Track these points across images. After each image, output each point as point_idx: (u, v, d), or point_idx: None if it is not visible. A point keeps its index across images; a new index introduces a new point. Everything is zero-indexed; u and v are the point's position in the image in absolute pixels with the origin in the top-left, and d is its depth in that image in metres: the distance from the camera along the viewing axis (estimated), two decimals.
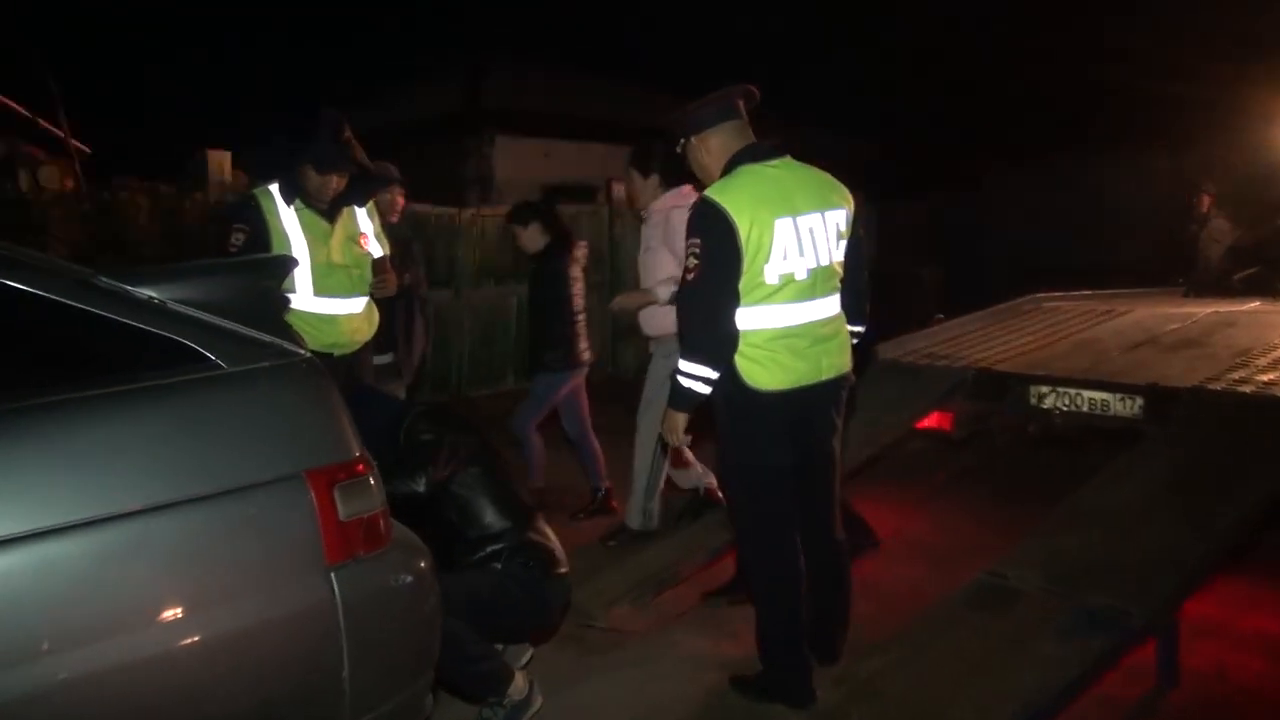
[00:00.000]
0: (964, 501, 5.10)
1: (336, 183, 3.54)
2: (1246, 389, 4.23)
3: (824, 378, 2.90)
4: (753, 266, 2.77)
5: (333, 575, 1.80)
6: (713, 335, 2.79)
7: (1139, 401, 4.49)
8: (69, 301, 1.67)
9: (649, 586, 3.93)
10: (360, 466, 1.91)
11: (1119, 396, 4.56)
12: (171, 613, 1.62)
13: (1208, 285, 6.96)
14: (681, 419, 2.90)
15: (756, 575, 3.06)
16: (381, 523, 1.93)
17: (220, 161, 7.20)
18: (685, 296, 2.85)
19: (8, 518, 1.49)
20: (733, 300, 2.77)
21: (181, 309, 1.82)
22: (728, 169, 2.87)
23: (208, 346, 1.78)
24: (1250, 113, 8.97)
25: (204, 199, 6.99)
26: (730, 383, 2.83)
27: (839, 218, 2.91)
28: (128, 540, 1.59)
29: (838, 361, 2.96)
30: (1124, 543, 3.47)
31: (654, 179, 4.39)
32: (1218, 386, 4.30)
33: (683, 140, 2.98)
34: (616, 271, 9.46)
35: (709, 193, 2.79)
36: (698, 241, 2.75)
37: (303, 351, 1.93)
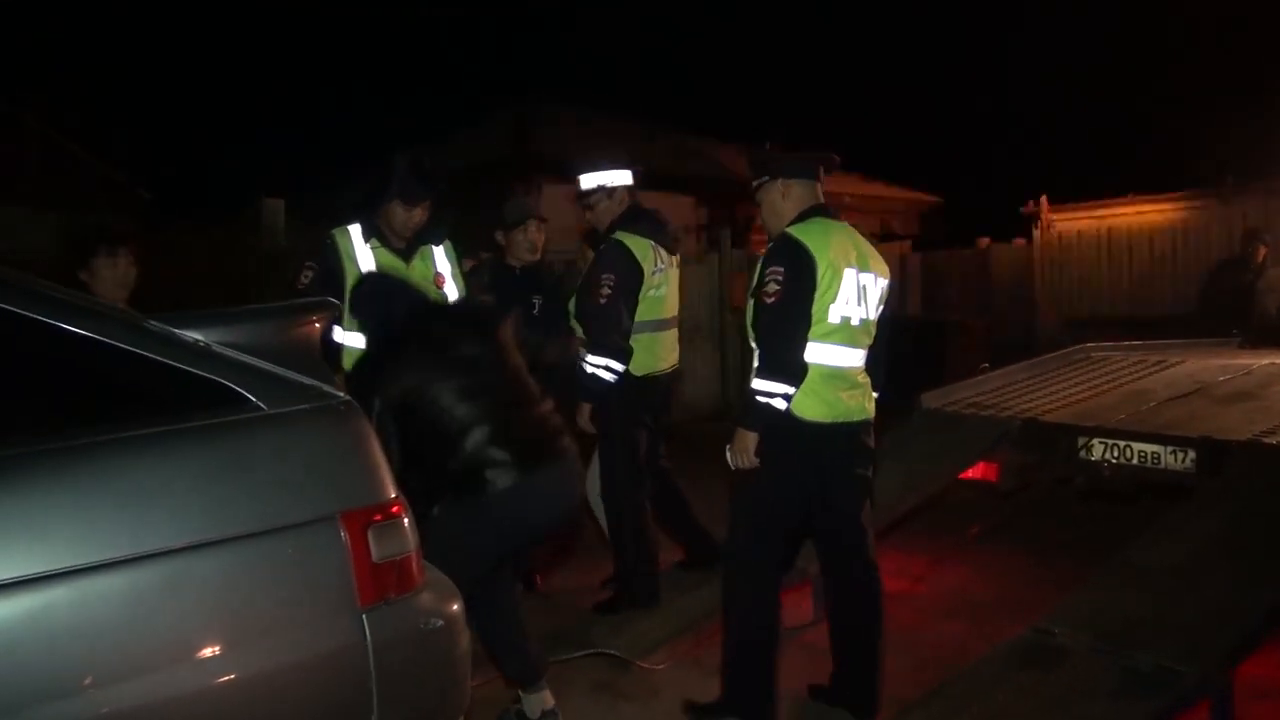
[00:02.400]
0: (1008, 554, 4.98)
1: (419, 216, 3.60)
2: None
3: (856, 419, 3.13)
4: (820, 303, 3.01)
5: (364, 617, 1.81)
6: (793, 356, 3.00)
7: (1191, 454, 4.38)
8: (117, 343, 1.72)
9: (689, 633, 3.89)
10: (395, 508, 1.92)
11: (1170, 449, 4.45)
12: (207, 650, 1.65)
13: (1264, 336, 6.78)
14: (752, 439, 3.04)
15: (737, 604, 3.15)
16: (414, 564, 1.94)
17: (275, 209, 7.41)
18: (765, 318, 3.05)
19: (53, 552, 1.53)
20: (806, 325, 3.00)
21: (225, 351, 1.87)
22: (802, 217, 3.12)
23: (249, 388, 1.82)
24: None
25: (256, 243, 7.18)
26: (778, 413, 3.00)
27: (884, 284, 3.21)
28: (167, 577, 1.63)
29: (868, 406, 3.20)
30: (1175, 601, 3.37)
31: None
32: (1273, 440, 4.17)
33: (764, 178, 3.21)
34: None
35: (793, 231, 3.06)
36: (780, 270, 2.99)
37: (340, 394, 1.97)
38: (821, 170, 3.24)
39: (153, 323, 1.84)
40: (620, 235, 4.05)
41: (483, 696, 3.28)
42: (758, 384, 3.01)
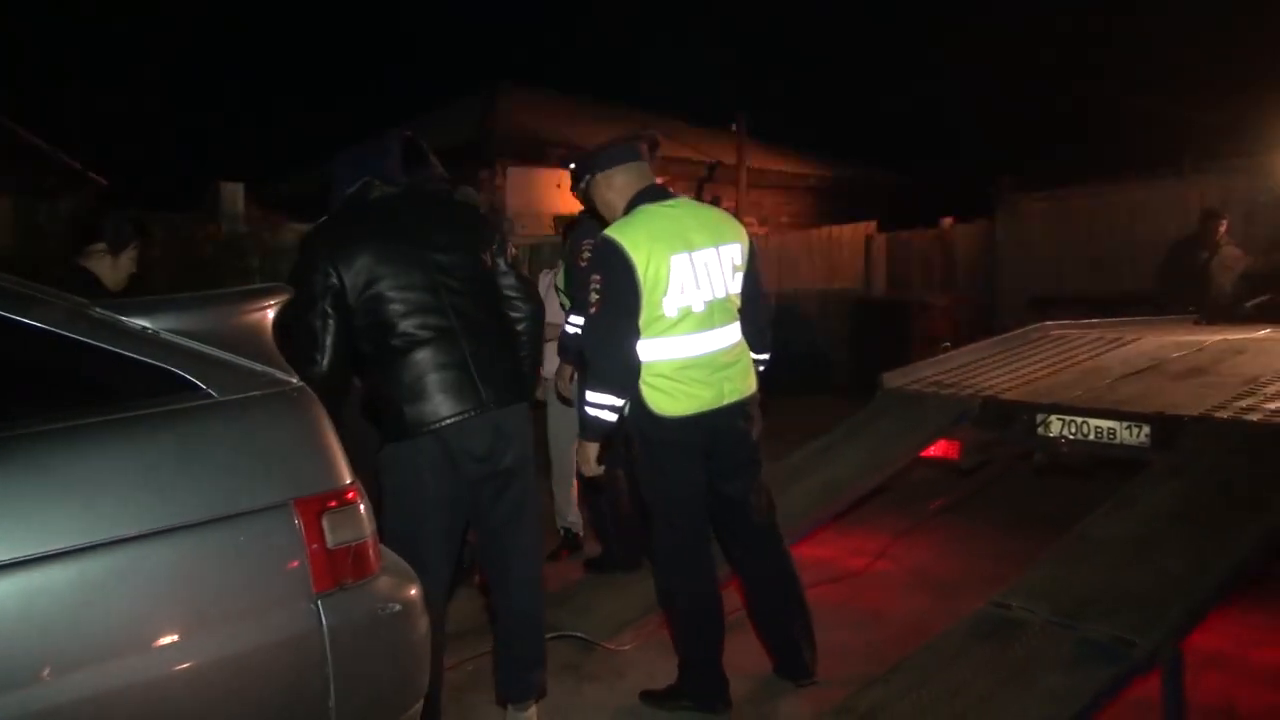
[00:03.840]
0: (969, 531, 5.06)
1: None
2: (1254, 417, 4.19)
3: (727, 401, 3.05)
4: (651, 299, 2.92)
5: (319, 603, 1.80)
6: (615, 365, 2.93)
7: (1146, 430, 4.46)
8: (61, 331, 1.70)
9: (652, 613, 3.91)
10: (350, 494, 1.92)
11: (1125, 425, 4.53)
12: (160, 638, 1.63)
13: (1218, 313, 6.91)
14: (593, 449, 3.04)
15: (674, 594, 3.17)
16: (370, 550, 1.94)
17: (234, 193, 7.32)
18: (588, 329, 3.02)
19: (2, 543, 1.50)
20: (632, 331, 2.92)
21: (174, 339, 1.85)
22: (628, 209, 3.03)
23: (199, 375, 1.80)
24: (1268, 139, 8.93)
25: (217, 230, 7.08)
26: (640, 413, 3.00)
27: (734, 252, 3.07)
28: (117, 567, 1.61)
29: (740, 386, 3.11)
30: (1129, 573, 3.43)
31: None
32: (1224, 415, 4.26)
33: (587, 178, 3.14)
34: None
35: (608, 231, 2.95)
36: (598, 278, 2.93)
37: (294, 380, 1.95)
38: (645, 150, 3.13)
39: (99, 310, 1.81)
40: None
41: (453, 681, 3.30)
42: (587, 395, 2.98)
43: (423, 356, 2.63)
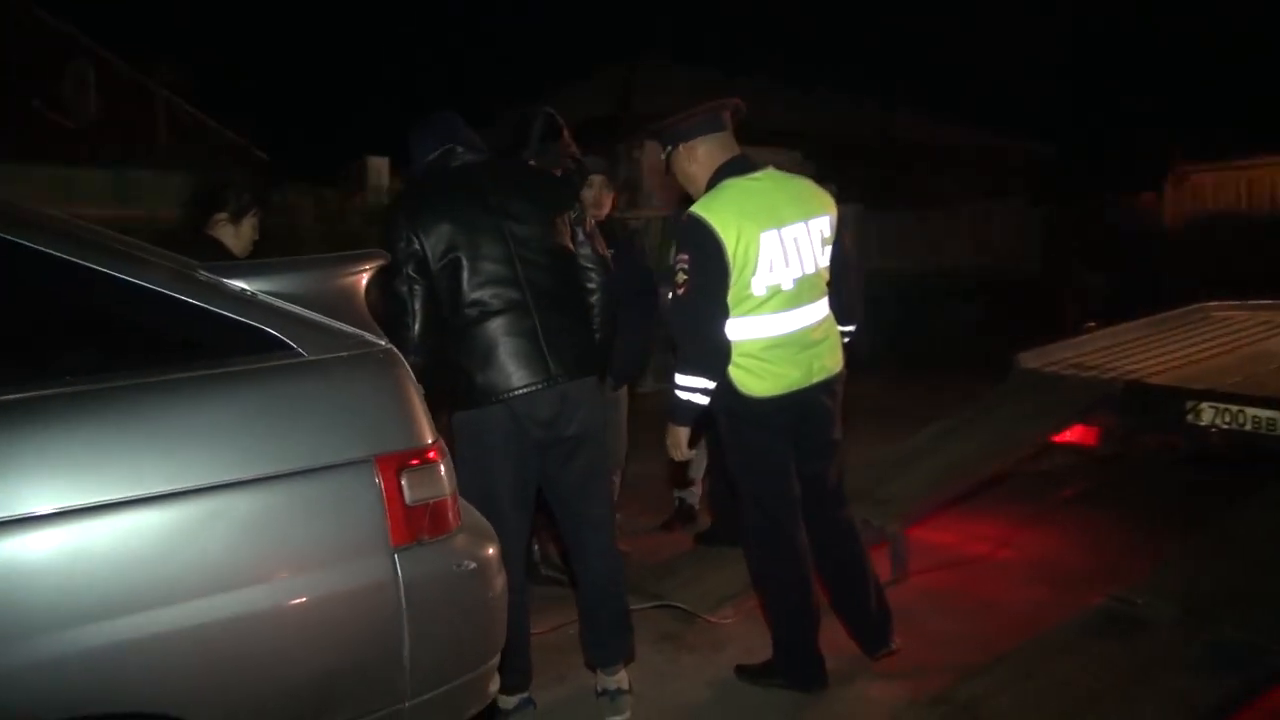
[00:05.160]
0: (1102, 523, 4.75)
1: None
2: None
3: (815, 380, 2.98)
4: (740, 279, 2.84)
5: (396, 556, 1.88)
6: (706, 347, 2.87)
7: None
8: (165, 290, 1.82)
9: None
10: (431, 454, 1.98)
11: None
12: (242, 580, 1.74)
13: None
14: (684, 433, 2.99)
15: (766, 576, 3.15)
16: (449, 508, 2.00)
17: (379, 167, 7.64)
18: (677, 311, 2.94)
19: (104, 485, 1.64)
20: (722, 312, 2.85)
21: (269, 300, 1.95)
22: (713, 183, 2.93)
23: (290, 336, 1.90)
24: None
25: (363, 202, 7.41)
26: (728, 394, 2.92)
27: (823, 225, 2.97)
28: (205, 512, 1.72)
29: (829, 363, 3.03)
30: (1270, 575, 3.18)
31: None
32: None
33: (669, 148, 3.03)
34: None
35: (696, 209, 2.86)
36: (686, 257, 2.84)
37: (382, 342, 2.03)
38: (728, 118, 2.99)
39: (203, 273, 1.93)
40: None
41: (552, 643, 3.39)
42: (677, 379, 2.91)
43: (495, 327, 2.68)
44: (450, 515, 2.00)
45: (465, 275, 2.67)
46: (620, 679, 2.97)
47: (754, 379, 2.91)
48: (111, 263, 1.80)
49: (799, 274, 2.91)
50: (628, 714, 2.96)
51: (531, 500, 2.87)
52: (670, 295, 2.98)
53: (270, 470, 1.79)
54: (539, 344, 2.70)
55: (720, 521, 4.45)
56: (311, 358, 1.90)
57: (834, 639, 3.39)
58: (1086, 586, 3.76)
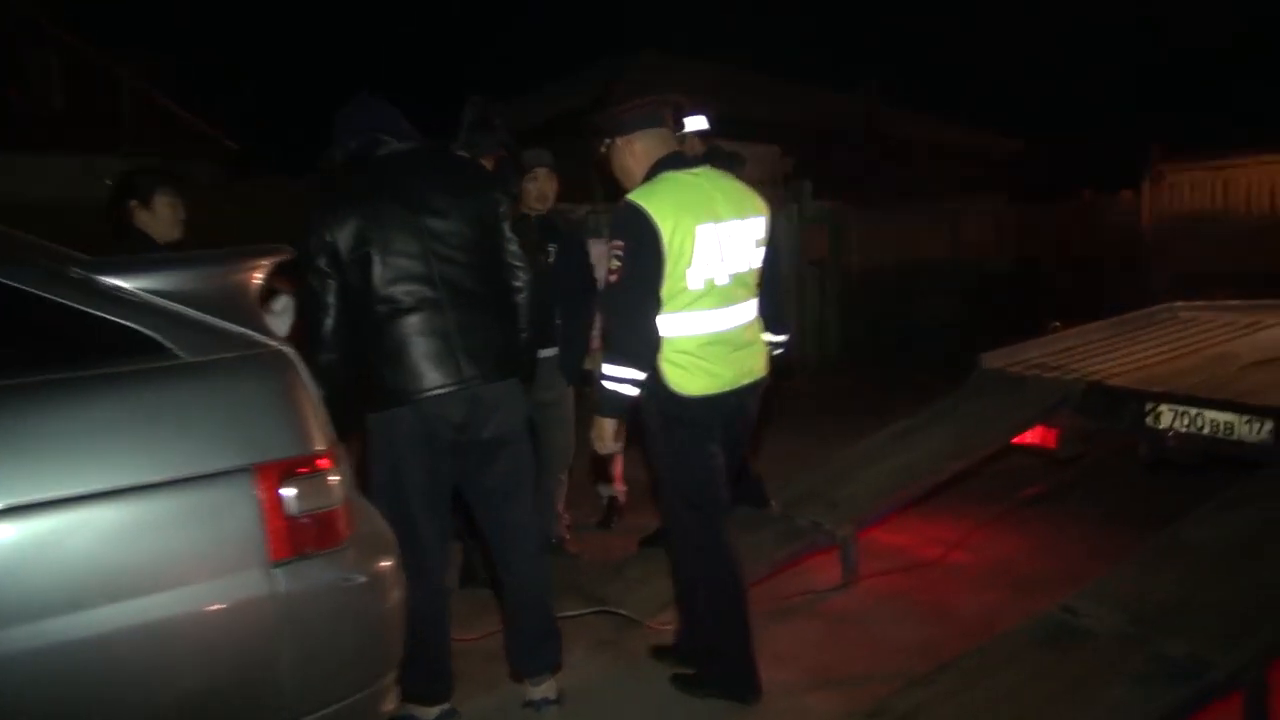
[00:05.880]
0: (1060, 525, 4.68)
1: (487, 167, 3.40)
2: None
3: (744, 383, 2.95)
4: (675, 271, 2.79)
5: (275, 571, 1.78)
6: (636, 336, 2.82)
7: (1268, 426, 4.02)
8: (32, 290, 1.71)
9: None
10: (321, 461, 1.88)
11: (1245, 419, 4.10)
12: (107, 596, 1.64)
13: None
14: (609, 425, 2.90)
15: (696, 580, 3.04)
16: (340, 519, 1.90)
17: None
18: (608, 298, 2.90)
19: None
20: (655, 302, 2.80)
21: (148, 299, 1.84)
22: (650, 175, 2.89)
23: (167, 336, 1.80)
24: None
25: None
26: (660, 393, 2.86)
27: (757, 226, 2.95)
28: (65, 525, 1.62)
29: (756, 366, 3.01)
30: (1219, 585, 3.10)
31: None
32: None
33: (608, 141, 3.00)
34: None
35: (633, 196, 2.82)
36: (621, 244, 2.79)
37: (271, 343, 1.93)
38: (669, 116, 3.02)
39: (77, 270, 1.82)
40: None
41: (485, 649, 3.29)
42: (605, 368, 2.85)
43: (406, 325, 2.58)
44: (341, 526, 1.91)
45: (376, 271, 2.56)
46: (546, 689, 2.88)
47: (689, 377, 2.85)
48: None
49: (733, 271, 2.87)
50: None
51: (446, 503, 2.77)
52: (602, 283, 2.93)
53: (135, 480, 1.69)
54: (450, 344, 2.60)
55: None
56: (188, 359, 1.80)
57: (773, 646, 3.33)
58: (1041, 592, 3.69)
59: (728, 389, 2.89)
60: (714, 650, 3.05)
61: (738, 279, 2.89)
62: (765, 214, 2.98)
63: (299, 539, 1.82)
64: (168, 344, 1.80)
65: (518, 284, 2.82)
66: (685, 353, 2.84)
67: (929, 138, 17.04)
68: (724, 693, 3.03)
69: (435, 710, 2.82)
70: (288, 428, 1.87)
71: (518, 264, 2.82)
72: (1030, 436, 4.80)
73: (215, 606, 1.72)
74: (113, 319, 1.77)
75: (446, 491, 2.76)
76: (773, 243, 3.01)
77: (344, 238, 2.56)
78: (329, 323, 2.57)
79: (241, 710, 1.77)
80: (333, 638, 1.87)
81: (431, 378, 2.57)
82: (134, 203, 3.36)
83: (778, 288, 3.11)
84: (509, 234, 2.81)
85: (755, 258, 2.95)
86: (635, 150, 2.93)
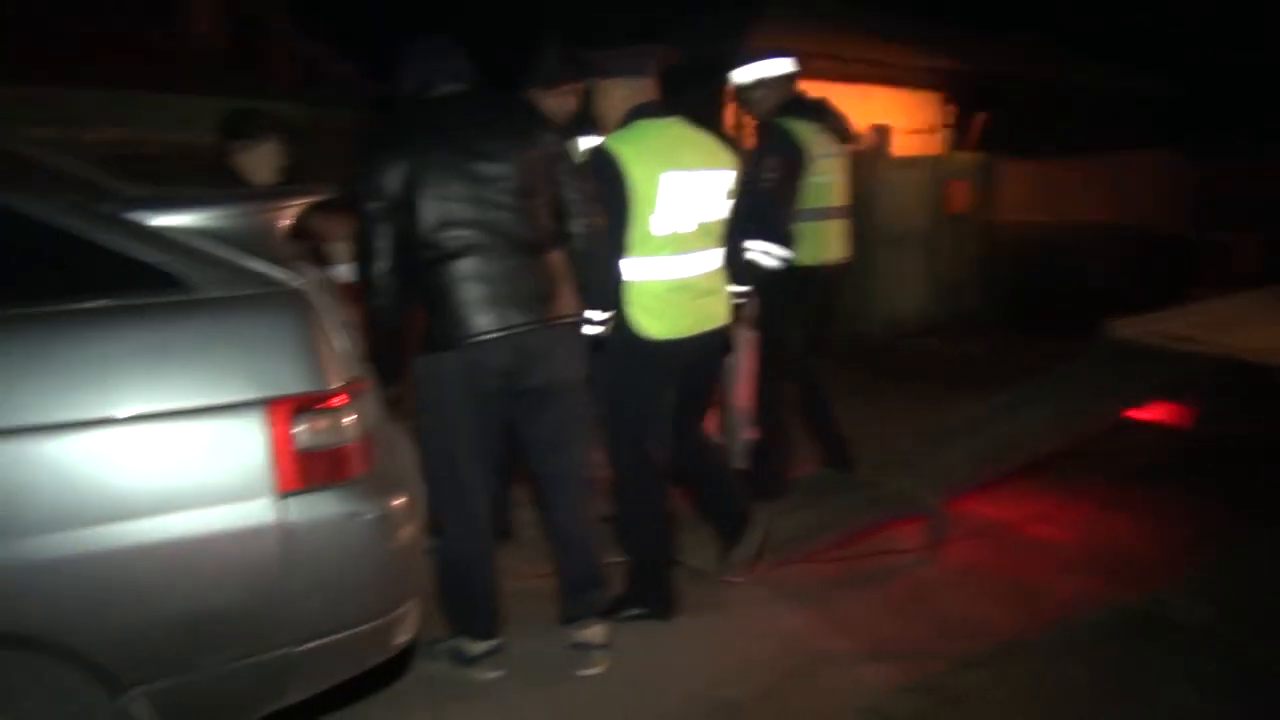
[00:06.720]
0: (1171, 510, 4.23)
1: (567, 102, 3.35)
2: None
3: (705, 329, 3.09)
4: (641, 217, 2.90)
5: (282, 502, 1.85)
6: (601, 276, 2.90)
7: None
8: (53, 223, 1.80)
9: (775, 552, 3.72)
10: (335, 399, 1.93)
11: None
12: (122, 514, 1.74)
13: None
14: None
15: (633, 511, 3.17)
16: (353, 456, 1.95)
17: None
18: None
19: None
20: (621, 244, 2.91)
21: (168, 234, 1.90)
22: (625, 121, 3.02)
23: (184, 271, 1.86)
24: None
25: None
26: (625, 334, 2.97)
27: (725, 178, 3.08)
28: (82, 445, 1.73)
29: (719, 313, 3.16)
30: None
31: None
32: None
33: (589, 83, 3.19)
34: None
35: (607, 142, 2.94)
36: (590, 187, 2.87)
37: (291, 282, 1.97)
38: (651, 66, 3.18)
39: (104, 205, 1.89)
40: (780, 120, 3.88)
41: (541, 590, 3.33)
42: None
43: (451, 270, 2.56)
44: (354, 462, 1.95)
45: (423, 215, 2.56)
46: (592, 634, 2.90)
47: (654, 320, 2.97)
48: None
49: (698, 219, 2.99)
50: (599, 669, 2.90)
51: (494, 451, 2.78)
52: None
53: (149, 408, 1.77)
54: (497, 290, 2.58)
55: (754, 472, 4.26)
56: (202, 295, 1.86)
57: (836, 614, 3.25)
58: (1133, 579, 3.44)
59: (689, 334, 3.02)
60: (640, 571, 3.17)
61: (703, 228, 3.02)
62: (735, 169, 3.11)
63: (309, 472, 1.88)
64: (183, 279, 1.86)
65: (575, 230, 2.79)
66: (652, 296, 2.96)
67: (1089, 84, 15.75)
68: (650, 610, 3.16)
69: (483, 646, 2.88)
70: (303, 365, 1.91)
71: (577, 210, 2.79)
72: (1154, 412, 4.46)
73: (224, 529, 1.81)
74: (129, 254, 1.84)
75: (494, 437, 2.78)
76: (740, 197, 3.12)
77: (392, 181, 2.55)
78: (380, 265, 2.60)
79: (252, 630, 1.86)
80: (340, 568, 1.93)
81: (476, 323, 2.57)
82: (240, 143, 3.51)
83: (740, 241, 3.26)
84: (567, 178, 2.77)
85: (722, 208, 3.08)
86: (613, 96, 3.16)
